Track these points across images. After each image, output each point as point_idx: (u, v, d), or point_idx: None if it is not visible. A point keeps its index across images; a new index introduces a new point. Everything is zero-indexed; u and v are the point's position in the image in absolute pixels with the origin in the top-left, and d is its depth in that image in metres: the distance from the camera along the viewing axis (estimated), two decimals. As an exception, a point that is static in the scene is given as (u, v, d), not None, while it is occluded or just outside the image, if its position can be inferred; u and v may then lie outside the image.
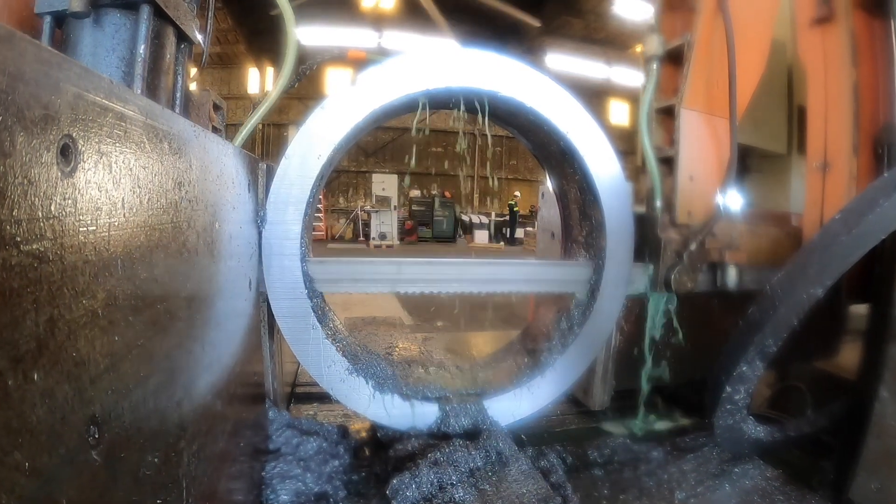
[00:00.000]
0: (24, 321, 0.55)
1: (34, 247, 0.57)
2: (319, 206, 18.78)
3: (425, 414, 2.02)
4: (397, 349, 2.99)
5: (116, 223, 0.77)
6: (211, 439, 1.20)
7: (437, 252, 17.20)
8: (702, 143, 2.31)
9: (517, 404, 2.13)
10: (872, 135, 2.38)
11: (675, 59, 2.39)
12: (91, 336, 0.69)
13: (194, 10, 1.67)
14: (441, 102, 2.11)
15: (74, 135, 0.66)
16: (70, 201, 0.65)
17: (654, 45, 2.35)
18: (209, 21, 1.79)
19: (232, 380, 1.43)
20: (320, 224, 19.43)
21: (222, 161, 1.39)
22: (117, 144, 0.78)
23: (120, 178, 0.79)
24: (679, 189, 2.28)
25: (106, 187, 0.74)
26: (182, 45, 1.61)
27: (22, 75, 0.56)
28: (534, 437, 2.19)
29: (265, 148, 20.92)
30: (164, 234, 0.96)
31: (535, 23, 17.32)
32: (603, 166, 2.11)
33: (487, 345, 3.62)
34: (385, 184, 19.78)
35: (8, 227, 0.53)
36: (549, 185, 2.63)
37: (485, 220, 22.08)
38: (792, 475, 1.91)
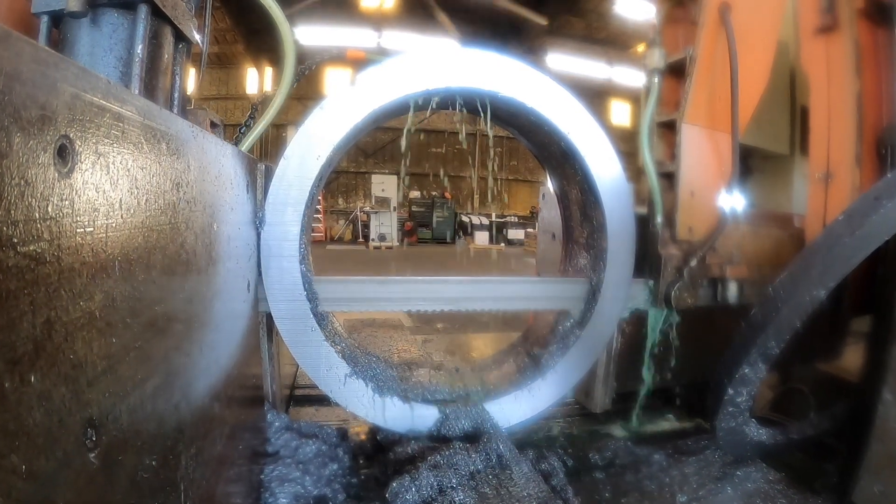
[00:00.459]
0: (20, 323, 0.55)
1: (31, 248, 0.57)
2: (318, 207, 18.77)
3: (425, 417, 2.01)
4: (397, 351, 2.98)
5: (114, 224, 0.77)
6: (209, 442, 1.20)
7: (437, 253, 17.19)
8: (703, 159, 2.28)
9: (518, 407, 2.12)
10: (875, 145, 2.36)
11: (676, 71, 2.37)
12: (88, 338, 0.68)
13: (192, 9, 1.66)
14: (442, 103, 2.10)
15: (72, 135, 0.66)
16: (67, 202, 0.65)
17: (655, 58, 2.32)
18: (206, 21, 1.77)
19: (230, 382, 1.42)
20: (319, 225, 19.39)
21: (220, 162, 1.38)
22: (115, 145, 0.78)
23: (117, 179, 0.78)
24: (680, 205, 2.26)
25: (103, 188, 0.74)
26: (180, 45, 1.60)
27: (19, 75, 0.55)
28: (534, 439, 2.18)
29: (263, 148, 20.87)
30: (161, 236, 0.95)
31: (541, 21, 17.22)
32: (604, 167, 2.10)
33: (488, 347, 3.60)
34: (384, 185, 19.75)
35: (5, 228, 0.53)
36: (549, 186, 2.62)
37: (485, 221, 22.06)
38: (794, 478, 1.90)
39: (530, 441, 2.15)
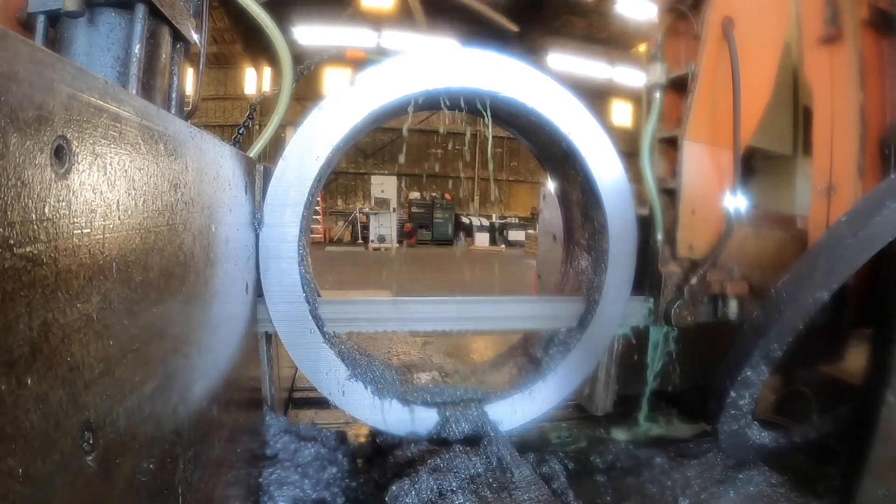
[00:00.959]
0: (17, 325, 0.55)
1: (28, 250, 0.57)
2: (317, 208, 18.76)
3: (425, 419, 1.99)
4: (397, 353, 2.96)
5: (111, 226, 0.77)
6: (207, 445, 1.19)
7: (437, 255, 17.19)
8: (705, 176, 2.26)
9: (518, 409, 2.11)
10: (879, 157, 2.35)
11: (678, 86, 2.34)
12: (85, 340, 0.68)
13: (190, 9, 1.65)
14: (441, 103, 2.09)
15: (69, 136, 0.66)
16: (64, 203, 0.65)
17: (657, 73, 2.29)
18: (204, 22, 1.76)
19: (228, 385, 1.42)
20: (318, 226, 19.39)
21: (219, 162, 1.38)
22: (112, 146, 0.77)
23: (115, 180, 0.78)
24: (681, 222, 2.24)
25: (101, 189, 0.74)
26: (178, 45, 1.59)
27: (15, 75, 0.55)
28: (535, 442, 2.16)
29: (262, 149, 20.85)
30: (159, 237, 0.95)
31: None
32: (605, 168, 2.09)
33: (488, 349, 3.59)
34: (384, 186, 19.74)
35: (1, 229, 0.53)
36: (550, 186, 2.61)
37: (485, 222, 22.05)
38: (797, 482, 1.89)
39: (531, 444, 2.14)
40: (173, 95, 1.59)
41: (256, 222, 1.78)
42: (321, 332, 1.90)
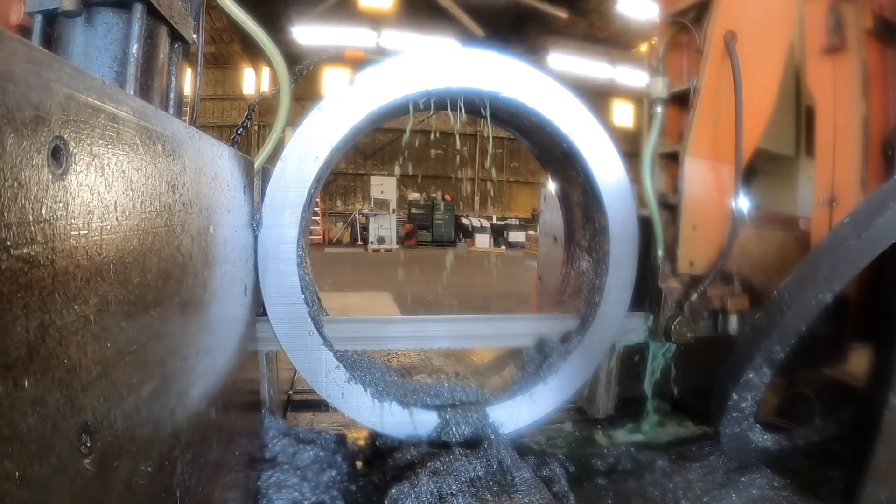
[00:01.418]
0: (14, 327, 0.54)
1: (24, 251, 0.57)
2: (316, 209, 18.75)
3: (425, 422, 1.98)
4: (396, 356, 2.95)
5: (109, 227, 0.77)
6: (205, 448, 1.19)
7: (437, 256, 17.18)
8: (706, 192, 2.24)
9: (519, 412, 2.09)
10: (882, 168, 2.33)
11: (679, 100, 2.32)
12: (83, 342, 0.68)
13: (189, 9, 1.64)
14: (441, 103, 2.08)
15: (66, 136, 0.66)
16: (61, 204, 0.65)
17: (659, 87, 2.26)
18: (201, 24, 1.75)
19: (227, 387, 1.41)
20: (317, 228, 19.38)
21: (217, 163, 1.37)
22: (110, 146, 0.77)
23: (112, 181, 0.78)
24: (682, 239, 2.21)
25: (98, 190, 0.74)
26: (176, 45, 1.58)
27: (12, 75, 0.55)
28: (536, 445, 2.15)
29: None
30: (157, 238, 0.95)
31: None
32: (606, 169, 2.08)
33: (488, 351, 3.57)
34: (383, 186, 19.72)
35: None
36: (551, 187, 2.61)
37: (486, 223, 22.05)
38: (800, 484, 1.88)
39: (531, 446, 2.13)
40: (171, 96, 1.58)
41: (255, 223, 1.77)
42: (320, 334, 1.89)
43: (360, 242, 20.14)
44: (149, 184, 0.91)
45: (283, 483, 1.69)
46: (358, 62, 2.02)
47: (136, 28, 1.35)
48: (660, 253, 2.22)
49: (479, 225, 21.96)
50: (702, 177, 2.23)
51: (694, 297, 2.18)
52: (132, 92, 1.34)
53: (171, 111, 1.57)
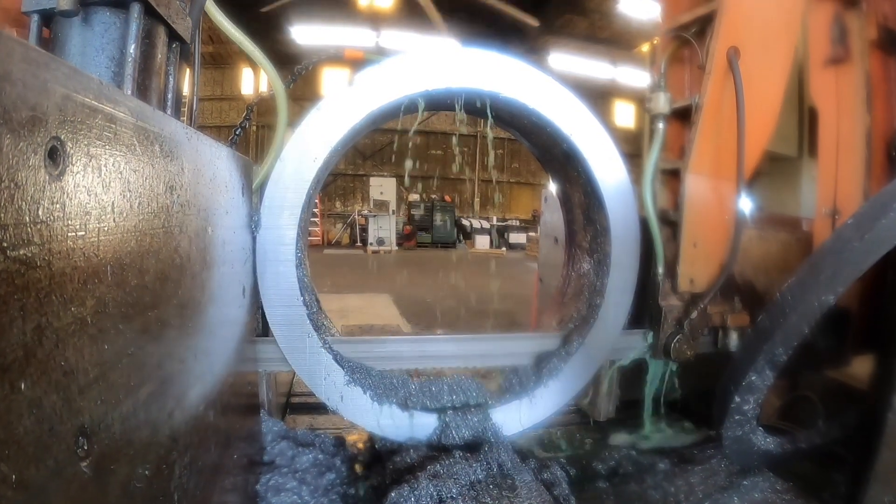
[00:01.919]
0: (10, 329, 0.54)
1: (21, 252, 0.57)
2: (315, 210, 18.75)
3: (425, 425, 1.97)
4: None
5: (106, 228, 0.76)
6: (203, 451, 1.19)
7: (437, 257, 17.18)
8: (707, 209, 2.21)
9: (519, 415, 2.08)
10: (885, 179, 2.31)
11: (681, 115, 2.30)
12: (80, 344, 0.68)
13: (187, 9, 1.63)
14: (441, 104, 2.07)
15: (63, 137, 0.65)
16: (58, 205, 0.64)
17: (660, 102, 2.23)
18: (199, 24, 1.74)
19: (225, 390, 1.40)
20: (316, 229, 19.38)
21: (215, 164, 1.37)
22: (107, 147, 0.77)
23: (110, 182, 0.78)
24: (682, 256, 2.19)
25: (95, 191, 0.74)
26: (174, 45, 1.57)
27: (8, 75, 0.55)
28: (537, 447, 2.14)
29: (259, 150, 20.81)
30: (155, 240, 0.94)
31: (533, 22, 17.03)
32: (608, 169, 2.07)
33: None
34: (383, 187, 19.70)
35: None
36: (552, 188, 2.59)
37: (486, 224, 22.05)
38: (803, 488, 1.87)
39: (532, 449, 2.11)
40: (169, 96, 1.56)
41: (253, 225, 1.76)
42: (319, 336, 1.88)
43: (359, 244, 20.15)
44: (146, 185, 0.91)
45: (282, 486, 1.69)
46: (357, 62, 2.01)
47: (134, 28, 1.34)
48: (660, 270, 2.20)
49: (479, 226, 21.97)
50: (703, 194, 2.20)
51: (694, 314, 2.16)
52: (130, 92, 1.33)
53: (168, 111, 1.56)
